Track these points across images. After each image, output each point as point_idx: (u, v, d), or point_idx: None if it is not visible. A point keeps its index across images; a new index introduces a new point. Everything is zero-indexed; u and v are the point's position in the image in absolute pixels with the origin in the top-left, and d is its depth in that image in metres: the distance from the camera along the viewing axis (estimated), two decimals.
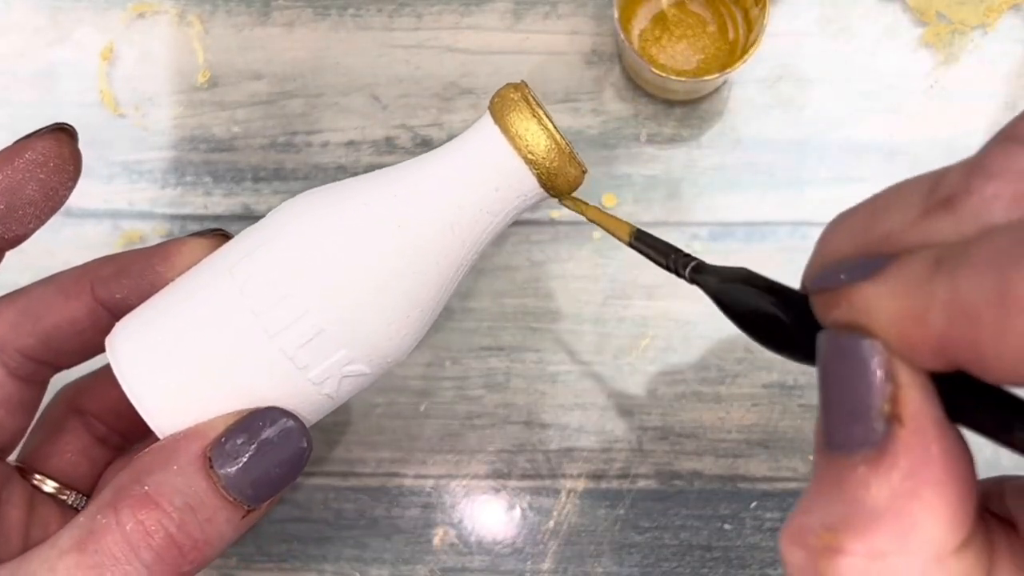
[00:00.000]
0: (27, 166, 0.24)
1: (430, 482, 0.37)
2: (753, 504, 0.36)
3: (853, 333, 0.16)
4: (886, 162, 0.37)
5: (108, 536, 0.21)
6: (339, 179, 0.38)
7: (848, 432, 0.16)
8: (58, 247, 0.38)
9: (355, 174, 0.38)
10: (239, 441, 0.23)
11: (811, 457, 0.37)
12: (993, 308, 0.13)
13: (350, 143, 0.38)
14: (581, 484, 0.37)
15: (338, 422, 0.37)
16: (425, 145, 0.38)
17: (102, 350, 0.27)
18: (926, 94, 0.38)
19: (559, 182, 0.24)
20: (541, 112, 0.24)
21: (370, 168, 0.38)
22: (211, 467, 0.23)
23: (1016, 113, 0.40)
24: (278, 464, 0.23)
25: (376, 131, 0.38)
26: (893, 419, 0.15)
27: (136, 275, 0.26)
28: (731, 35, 0.38)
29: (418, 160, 0.25)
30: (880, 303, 0.15)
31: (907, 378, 0.15)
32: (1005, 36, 0.38)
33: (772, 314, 0.20)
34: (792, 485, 0.37)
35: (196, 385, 0.23)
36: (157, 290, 0.25)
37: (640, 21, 0.38)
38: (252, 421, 0.23)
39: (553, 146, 0.24)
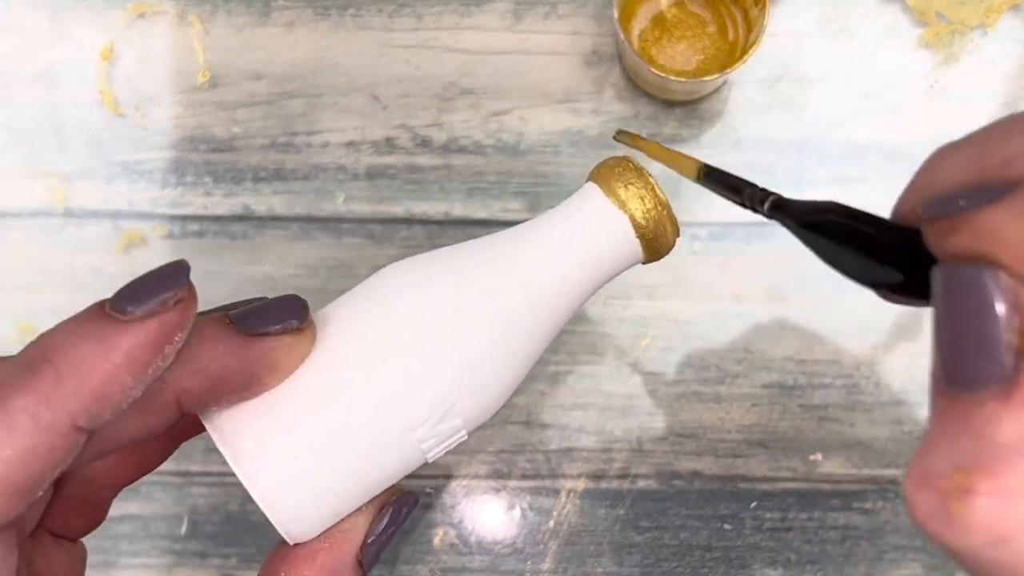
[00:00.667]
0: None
1: (430, 482, 0.37)
2: (753, 504, 0.36)
3: (973, 264, 0.15)
4: (886, 162, 0.37)
5: None
6: (339, 180, 0.38)
7: (973, 369, 0.15)
8: (59, 248, 0.38)
9: (356, 175, 0.38)
10: (379, 532, 0.24)
11: (811, 457, 0.37)
12: None
13: (350, 143, 0.38)
14: (581, 484, 0.37)
15: None
16: (425, 145, 0.38)
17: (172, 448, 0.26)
18: (926, 94, 0.38)
19: (661, 247, 0.25)
20: (652, 181, 0.24)
21: (370, 169, 0.38)
22: (360, 567, 0.24)
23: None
24: (402, 535, 0.25)
25: (376, 131, 0.38)
26: (1023, 353, 0.14)
27: (238, 388, 0.22)
28: (731, 35, 0.38)
29: (527, 234, 0.25)
30: (1007, 227, 0.14)
31: None
32: (1005, 36, 0.38)
33: (866, 253, 0.18)
34: (792, 485, 0.37)
35: (332, 488, 0.23)
36: (257, 394, 0.23)
37: (640, 21, 0.38)
38: (394, 515, 0.25)
39: (659, 214, 0.24)
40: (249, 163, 0.38)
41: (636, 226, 0.24)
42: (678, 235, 0.25)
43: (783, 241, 0.37)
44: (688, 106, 0.38)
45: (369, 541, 0.24)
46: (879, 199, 0.41)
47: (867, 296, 0.40)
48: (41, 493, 0.20)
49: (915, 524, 0.15)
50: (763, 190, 0.21)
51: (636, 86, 0.38)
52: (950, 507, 0.14)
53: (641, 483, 0.37)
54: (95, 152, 0.39)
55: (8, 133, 0.39)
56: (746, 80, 0.38)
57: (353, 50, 0.39)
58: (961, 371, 0.15)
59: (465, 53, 0.39)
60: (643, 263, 0.25)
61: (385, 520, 0.24)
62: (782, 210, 0.20)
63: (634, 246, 0.24)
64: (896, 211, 0.19)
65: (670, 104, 0.38)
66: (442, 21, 0.39)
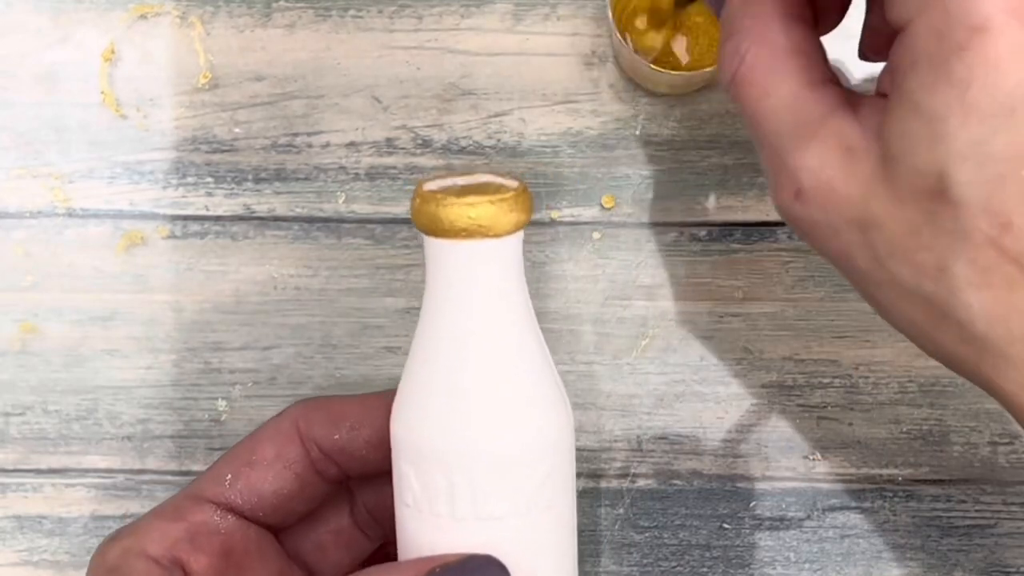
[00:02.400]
0: None
1: None
2: (752, 504, 0.37)
3: None
4: None
5: None
6: (339, 180, 0.38)
7: None
8: (61, 248, 0.39)
9: (356, 175, 0.38)
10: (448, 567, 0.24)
11: (810, 456, 0.37)
12: None
13: (351, 144, 0.38)
14: (580, 483, 0.37)
15: None
16: (426, 146, 0.38)
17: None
18: None
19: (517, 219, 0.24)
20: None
21: (371, 170, 0.38)
22: None
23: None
24: None
25: (377, 132, 0.39)
26: None
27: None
28: None
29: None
30: None
31: None
32: None
33: None
34: (790, 484, 0.37)
35: None
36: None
37: (635, 14, 0.38)
38: (466, 564, 0.24)
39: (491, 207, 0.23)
40: (250, 164, 0.39)
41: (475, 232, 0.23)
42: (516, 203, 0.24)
43: (782, 242, 0.38)
44: (688, 107, 0.38)
45: (438, 570, 0.24)
46: None
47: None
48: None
49: None
50: None
51: (636, 86, 0.38)
52: None
53: (640, 483, 0.37)
54: (96, 153, 0.39)
55: (9, 133, 0.39)
56: None
57: (354, 51, 0.39)
58: None
59: (465, 54, 0.39)
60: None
61: (459, 564, 0.24)
62: None
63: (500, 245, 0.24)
64: None
65: (670, 105, 0.38)
66: (442, 22, 0.39)
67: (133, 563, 0.26)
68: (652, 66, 0.34)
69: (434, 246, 0.24)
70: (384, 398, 0.27)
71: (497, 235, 0.23)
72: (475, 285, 0.24)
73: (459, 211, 0.23)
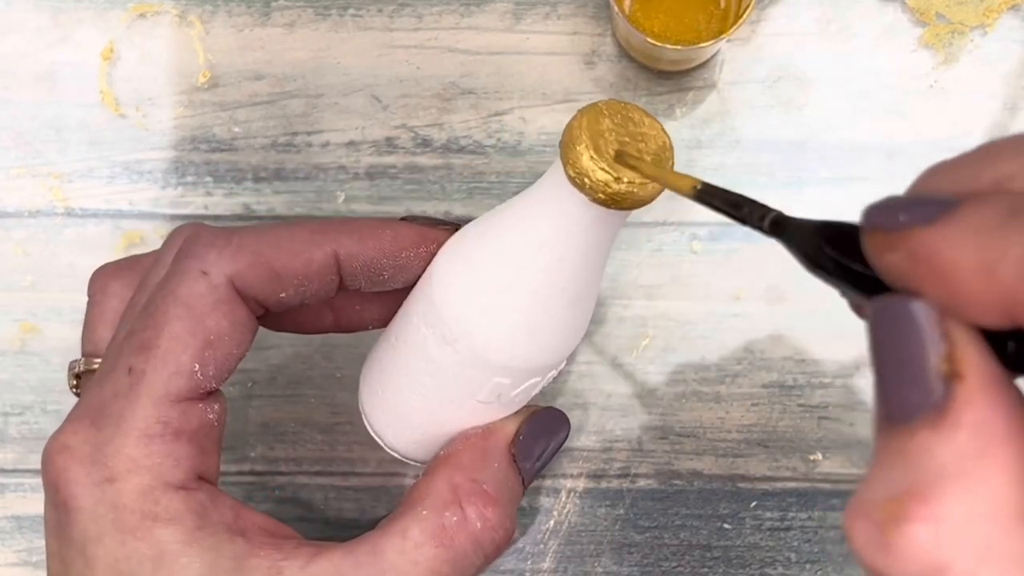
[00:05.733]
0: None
1: None
2: (753, 504, 0.37)
3: (899, 296, 0.15)
4: (885, 162, 0.37)
5: (461, 533, 0.26)
6: (339, 179, 0.38)
7: (905, 399, 0.15)
8: (60, 248, 0.39)
9: (356, 175, 0.38)
10: (537, 437, 0.29)
11: (811, 457, 0.37)
12: None
13: (350, 143, 0.38)
14: (581, 484, 0.37)
15: (339, 422, 0.38)
16: (425, 145, 0.38)
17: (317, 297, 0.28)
18: (925, 94, 0.38)
19: (633, 204, 0.24)
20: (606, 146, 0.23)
21: (370, 169, 0.38)
22: (514, 461, 0.28)
23: (1015, 113, 0.40)
24: (556, 453, 0.30)
25: (376, 131, 0.38)
26: (952, 377, 0.14)
27: (387, 269, 0.28)
28: (722, 2, 0.37)
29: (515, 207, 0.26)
30: (942, 251, 0.14)
31: (961, 334, 0.15)
32: (1004, 36, 0.38)
33: (860, 289, 0.17)
34: (791, 485, 0.37)
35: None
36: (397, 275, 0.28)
37: None
38: (546, 422, 0.29)
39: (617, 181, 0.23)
40: (250, 163, 0.38)
41: (596, 200, 0.23)
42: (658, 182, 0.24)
43: None
44: (688, 106, 0.38)
45: (521, 437, 0.28)
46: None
47: None
48: (285, 294, 0.26)
49: (853, 555, 0.15)
50: (762, 206, 0.20)
51: (636, 85, 0.38)
52: (885, 535, 0.14)
53: (641, 483, 0.37)
54: (96, 152, 0.39)
55: (8, 133, 0.39)
56: (746, 80, 0.38)
57: (353, 50, 0.39)
58: (894, 404, 0.15)
59: (465, 53, 0.39)
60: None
61: (537, 423, 0.29)
62: (783, 228, 0.19)
63: (600, 211, 0.24)
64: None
65: (671, 104, 0.38)
66: (442, 21, 0.39)
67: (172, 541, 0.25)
68: (650, 40, 0.34)
69: (574, 196, 0.24)
70: (309, 231, 0.27)
71: (640, 205, 0.24)
72: (595, 245, 0.25)
73: (612, 185, 0.23)
